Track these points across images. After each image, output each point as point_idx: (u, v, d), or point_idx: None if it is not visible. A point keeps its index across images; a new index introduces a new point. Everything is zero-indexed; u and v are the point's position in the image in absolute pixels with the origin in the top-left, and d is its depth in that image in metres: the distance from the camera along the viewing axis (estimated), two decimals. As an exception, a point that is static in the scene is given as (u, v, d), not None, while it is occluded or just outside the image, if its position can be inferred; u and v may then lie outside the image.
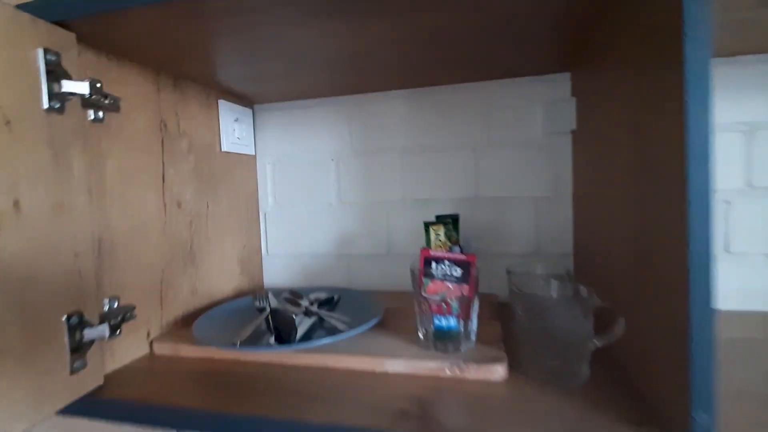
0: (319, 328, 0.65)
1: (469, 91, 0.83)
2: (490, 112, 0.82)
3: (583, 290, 0.49)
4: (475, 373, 0.51)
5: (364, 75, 0.75)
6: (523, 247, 0.82)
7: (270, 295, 0.78)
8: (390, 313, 0.71)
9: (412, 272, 0.58)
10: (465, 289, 0.55)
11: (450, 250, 0.62)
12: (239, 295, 0.87)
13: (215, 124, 0.82)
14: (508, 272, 0.65)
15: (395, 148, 0.87)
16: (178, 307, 0.71)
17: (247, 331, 0.61)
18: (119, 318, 0.56)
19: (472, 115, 0.83)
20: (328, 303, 0.74)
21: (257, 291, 0.84)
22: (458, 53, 0.64)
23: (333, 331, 0.61)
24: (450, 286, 0.55)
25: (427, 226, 0.65)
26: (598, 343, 0.49)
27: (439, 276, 0.56)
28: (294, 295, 0.75)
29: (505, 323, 0.63)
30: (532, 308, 0.50)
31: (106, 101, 0.57)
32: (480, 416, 0.43)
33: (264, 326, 0.65)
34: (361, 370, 0.54)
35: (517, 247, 0.83)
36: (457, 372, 0.51)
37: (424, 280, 0.57)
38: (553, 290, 0.54)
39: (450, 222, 0.64)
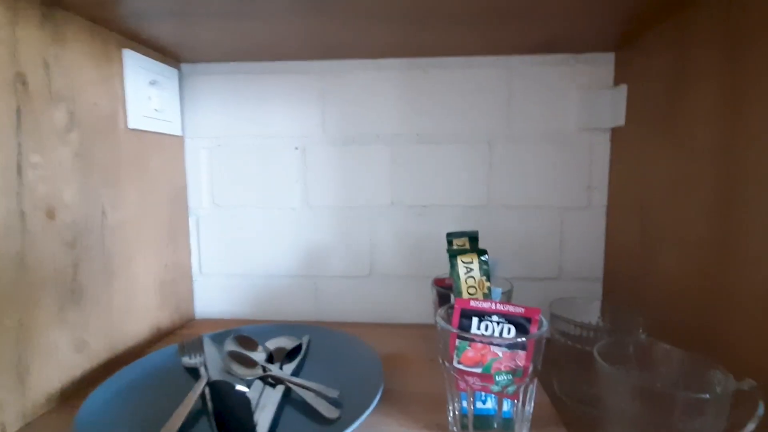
0: (288, 406, 0.42)
1: (485, 67, 0.63)
2: (510, 96, 0.64)
3: (720, 374, 0.32)
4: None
5: (346, 29, 0.52)
6: (545, 269, 0.66)
7: (206, 344, 0.54)
8: (388, 365, 0.50)
9: (440, 326, 0.38)
10: (521, 357, 0.36)
11: (489, 294, 0.43)
12: (159, 338, 0.60)
13: (117, 86, 0.54)
14: (554, 317, 0.47)
15: (383, 136, 0.66)
16: (52, 378, 0.44)
17: (173, 426, 0.38)
18: None
19: (488, 99, 0.64)
20: (294, 355, 0.52)
21: (186, 337, 0.58)
22: (478, 7, 0.44)
23: (308, 412, 0.39)
24: (499, 352, 0.36)
25: (453, 255, 0.44)
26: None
27: (483, 338, 0.37)
28: (244, 344, 0.51)
29: (543, 379, 0.46)
30: (625, 389, 0.33)
31: None
32: None
33: (200, 407, 0.41)
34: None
35: (537, 268, 0.66)
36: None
37: (458, 344, 0.37)
38: (657, 355, 0.38)
39: (484, 251, 0.44)
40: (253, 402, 0.40)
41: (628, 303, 0.57)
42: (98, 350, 0.50)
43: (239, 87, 0.67)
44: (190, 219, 0.69)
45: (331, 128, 0.66)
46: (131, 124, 0.55)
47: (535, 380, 0.38)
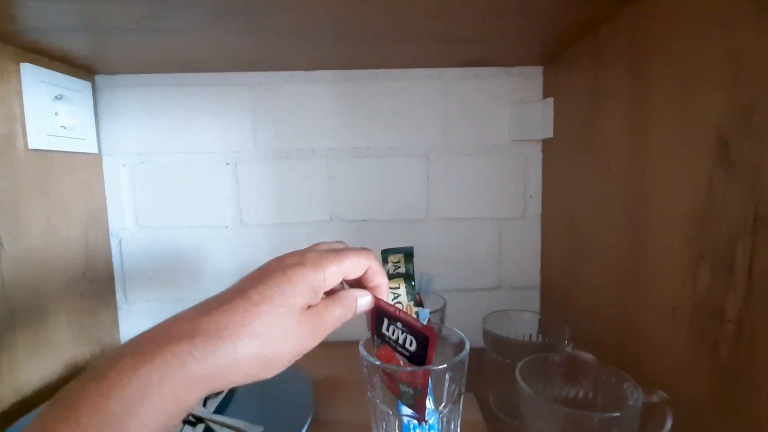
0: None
1: (420, 80, 0.63)
2: (446, 109, 0.64)
3: (631, 387, 0.33)
4: None
5: (277, 41, 0.50)
6: (485, 279, 0.66)
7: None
8: (322, 391, 0.48)
9: (365, 361, 0.37)
10: (419, 378, 0.34)
11: (417, 317, 0.42)
12: (75, 376, 0.55)
13: (15, 104, 0.49)
14: (487, 334, 0.47)
15: (319, 149, 0.64)
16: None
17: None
18: None
19: (424, 112, 0.64)
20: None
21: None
22: (410, 21, 0.44)
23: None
24: (401, 361, 0.35)
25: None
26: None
27: (392, 343, 0.36)
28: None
29: (479, 394, 0.46)
30: (544, 413, 0.33)
31: None
32: None
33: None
34: None
35: (477, 279, 0.66)
36: None
37: (376, 339, 0.36)
38: (577, 369, 0.38)
39: (411, 276, 0.43)
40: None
41: (562, 312, 0.58)
42: (1, 396, 0.45)
43: (162, 100, 0.62)
44: (111, 242, 0.64)
45: (263, 142, 0.63)
46: (32, 144, 0.50)
47: (461, 399, 0.37)
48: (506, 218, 0.65)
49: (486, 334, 0.47)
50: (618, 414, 0.30)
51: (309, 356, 0.56)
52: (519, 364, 0.37)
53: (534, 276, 0.66)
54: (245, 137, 0.63)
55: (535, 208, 0.65)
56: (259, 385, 0.49)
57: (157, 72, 0.61)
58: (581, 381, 0.38)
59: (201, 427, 0.40)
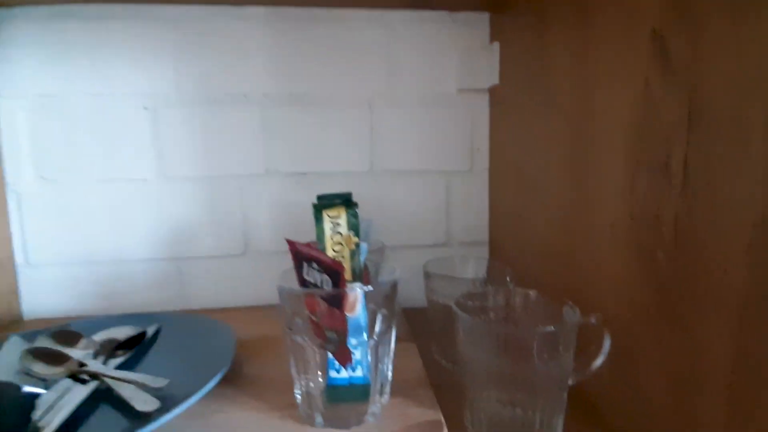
0: (104, 404, 0.34)
1: (362, 22, 0.59)
2: (390, 56, 0.60)
3: (568, 308, 0.31)
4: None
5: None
6: (432, 236, 0.64)
7: (12, 344, 0.43)
8: (246, 350, 0.44)
9: (281, 293, 0.33)
10: (337, 317, 0.31)
11: (357, 250, 0.38)
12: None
13: None
14: (428, 275, 0.44)
15: (252, 96, 0.58)
16: None
17: None
18: None
19: (366, 58, 0.59)
20: (133, 345, 0.43)
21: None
22: None
23: (127, 410, 0.32)
24: (322, 305, 0.32)
25: (318, 209, 0.39)
26: (573, 378, 0.32)
27: (312, 285, 0.32)
28: (62, 340, 0.41)
29: (423, 348, 0.43)
30: (481, 337, 0.31)
31: None
32: None
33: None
34: None
35: (424, 235, 0.63)
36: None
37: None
38: (516, 302, 0.36)
39: (354, 205, 0.40)
40: (47, 403, 0.31)
41: (510, 265, 0.57)
42: None
43: (70, 35, 0.55)
44: (8, 198, 0.56)
45: (187, 85, 0.57)
46: None
47: (391, 341, 0.34)
48: (454, 171, 0.63)
49: (427, 276, 0.44)
50: (553, 328, 0.28)
51: (247, 319, 0.51)
52: (455, 299, 0.34)
53: (482, 231, 0.64)
54: (166, 79, 0.56)
55: (482, 162, 0.63)
56: (181, 344, 0.44)
57: (62, 3, 0.53)
58: (520, 313, 0.36)
59: (93, 384, 0.34)
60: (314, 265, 0.32)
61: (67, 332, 0.43)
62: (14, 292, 0.56)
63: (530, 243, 0.50)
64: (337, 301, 0.30)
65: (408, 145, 0.61)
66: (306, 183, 0.60)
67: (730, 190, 0.23)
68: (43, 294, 0.57)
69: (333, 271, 0.30)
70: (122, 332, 0.44)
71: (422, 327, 0.49)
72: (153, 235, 0.58)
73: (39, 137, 0.56)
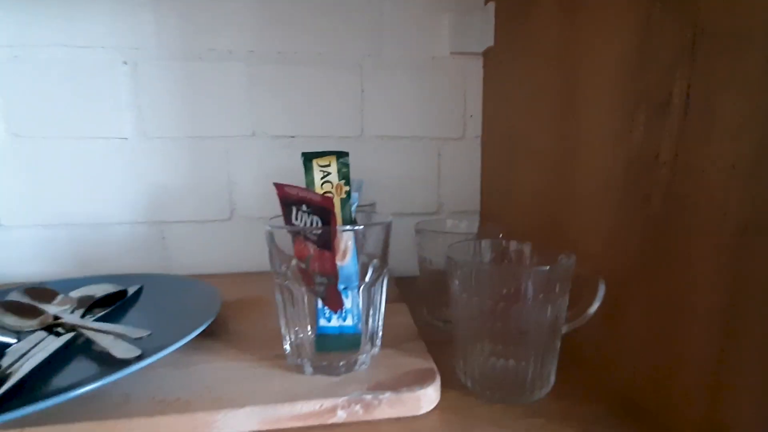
0: (81, 355, 0.32)
1: (353, -22, 0.57)
2: (381, 16, 0.58)
3: (564, 256, 0.30)
4: (393, 406, 0.28)
5: None
6: (423, 204, 0.63)
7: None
8: (231, 310, 0.42)
9: (269, 236, 0.32)
10: (327, 259, 0.30)
11: (348, 198, 0.37)
12: None
13: None
14: (419, 232, 0.44)
15: (238, 53, 0.56)
16: None
17: None
18: None
19: (358, 17, 0.57)
20: (114, 301, 0.41)
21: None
22: None
23: (105, 360, 0.30)
24: (311, 249, 0.30)
25: (308, 158, 0.38)
26: (568, 326, 0.32)
27: (302, 233, 0.31)
28: (36, 296, 0.39)
29: (415, 313, 0.42)
30: (476, 281, 0.30)
31: None
32: None
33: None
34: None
35: (415, 203, 0.62)
36: (360, 412, 0.28)
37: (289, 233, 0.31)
38: (511, 254, 0.35)
39: (345, 154, 0.38)
40: (18, 353, 0.30)
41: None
42: None
43: (41, -18, 0.51)
44: (-23, 154, 0.53)
45: (169, 40, 0.54)
46: None
47: (382, 289, 0.33)
48: (446, 138, 0.62)
49: (418, 233, 0.43)
50: (547, 268, 0.27)
51: (232, 284, 0.49)
52: (448, 247, 0.33)
53: (474, 200, 0.63)
54: (147, 32, 0.54)
55: (475, 129, 0.62)
56: (164, 302, 0.42)
57: (31, -56, 0.50)
58: (514, 262, 0.35)
59: (68, 336, 0.33)
60: (303, 207, 0.30)
61: (41, 289, 0.40)
62: (-15, 254, 0.54)
63: (522, 208, 0.49)
64: (327, 240, 0.29)
65: (399, 110, 0.60)
66: (295, 147, 0.58)
67: (730, 118, 0.22)
68: (18, 258, 0.55)
69: (322, 208, 0.29)
70: (101, 289, 0.42)
71: (414, 295, 0.48)
72: (134, 197, 0.56)
73: (8, 90, 0.52)
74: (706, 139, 0.24)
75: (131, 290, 0.44)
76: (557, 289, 0.28)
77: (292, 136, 0.58)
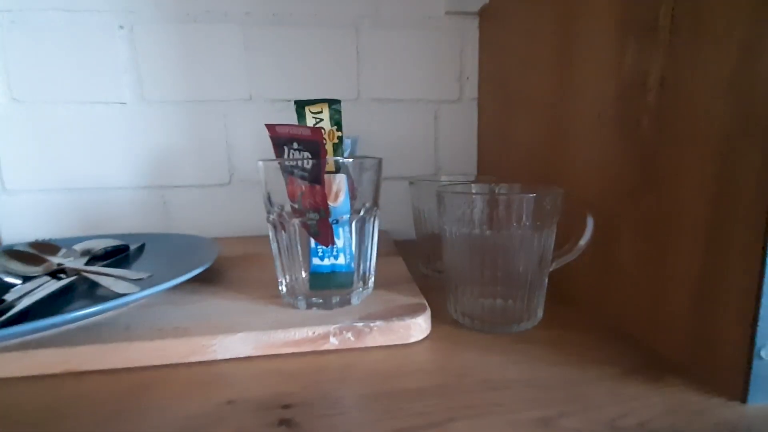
0: (85, 296, 0.33)
1: (347, -63, 0.56)
2: (376, -27, 0.58)
3: (555, 190, 0.31)
4: (384, 334, 0.29)
5: None
6: (420, 167, 0.63)
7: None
8: (231, 263, 0.43)
9: (261, 169, 0.32)
10: (318, 192, 0.31)
11: (340, 144, 0.37)
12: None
13: None
14: (413, 183, 0.44)
15: (233, 14, 0.56)
16: None
17: None
18: None
19: (352, -25, 0.57)
20: (116, 255, 0.42)
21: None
22: None
23: (106, 297, 0.31)
24: (302, 186, 0.31)
25: (301, 105, 0.38)
26: (557, 262, 0.32)
27: (291, 169, 0.32)
28: (41, 249, 0.41)
29: (411, 266, 0.43)
30: (464, 215, 0.30)
31: None
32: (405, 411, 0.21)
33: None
34: (167, 366, 0.26)
35: (412, 167, 0.63)
36: (352, 339, 0.28)
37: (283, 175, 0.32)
38: (499, 192, 0.35)
39: (337, 102, 0.39)
40: (21, 291, 0.31)
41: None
42: None
43: (35, -55, 0.51)
44: (-21, 120, 0.54)
45: (164, 2, 0.54)
46: None
47: (374, 227, 0.34)
48: (442, 100, 0.61)
49: (412, 186, 0.43)
50: (534, 194, 0.27)
51: (233, 245, 0.49)
52: (438, 186, 0.34)
53: (471, 163, 0.64)
54: (142, -6, 0.54)
55: (472, 91, 0.62)
56: (166, 256, 0.43)
57: None
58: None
59: (69, 279, 0.34)
60: (294, 144, 0.31)
61: (46, 243, 0.42)
62: (-9, 218, 0.55)
63: (518, 163, 0.49)
64: (317, 174, 0.29)
65: (396, 72, 0.60)
66: (291, 111, 0.58)
67: (713, 37, 0.22)
68: (22, 221, 0.56)
69: (312, 142, 0.29)
70: (104, 243, 0.43)
71: (410, 253, 0.49)
72: (135, 161, 0.57)
73: (9, 56, 0.53)
74: (692, 56, 0.24)
75: (134, 246, 0.45)
76: (544, 218, 0.28)
77: (289, 100, 0.59)
